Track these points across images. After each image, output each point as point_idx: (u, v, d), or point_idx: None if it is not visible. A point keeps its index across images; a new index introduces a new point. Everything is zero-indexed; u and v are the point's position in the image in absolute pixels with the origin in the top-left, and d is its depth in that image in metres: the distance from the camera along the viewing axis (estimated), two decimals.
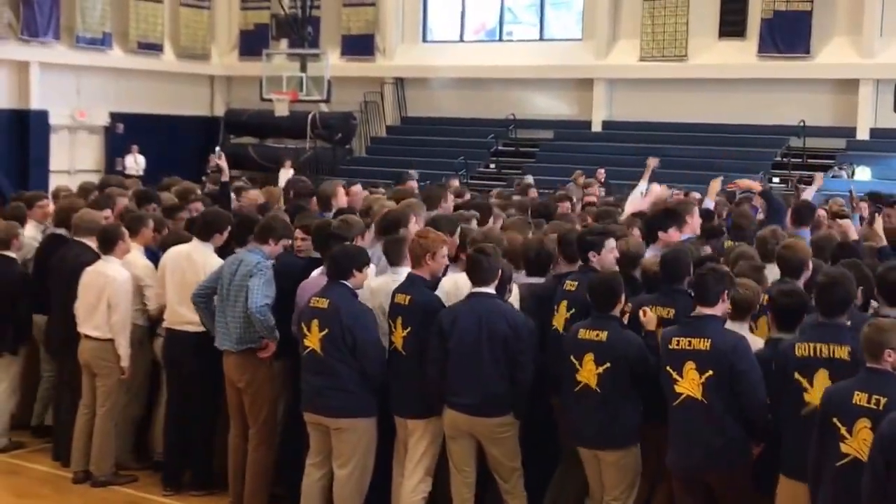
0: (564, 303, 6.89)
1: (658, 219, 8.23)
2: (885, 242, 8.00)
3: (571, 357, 6.35)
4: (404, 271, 6.98)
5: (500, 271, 6.62)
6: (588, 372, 6.27)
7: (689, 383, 5.83)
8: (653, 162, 11.02)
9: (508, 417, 6.57)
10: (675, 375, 5.88)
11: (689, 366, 5.82)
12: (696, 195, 11.59)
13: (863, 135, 23.40)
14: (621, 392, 6.24)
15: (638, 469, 6.40)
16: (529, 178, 15.49)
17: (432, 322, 6.63)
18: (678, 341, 5.91)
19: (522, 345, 6.50)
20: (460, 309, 6.61)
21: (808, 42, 23.74)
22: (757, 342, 6.12)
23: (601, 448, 6.33)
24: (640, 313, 6.48)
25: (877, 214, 10.13)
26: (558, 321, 6.90)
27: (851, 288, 5.73)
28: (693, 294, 6.11)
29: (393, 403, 6.91)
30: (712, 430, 5.80)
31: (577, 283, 6.88)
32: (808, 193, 11.52)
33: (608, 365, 6.20)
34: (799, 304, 6.00)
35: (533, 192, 13.06)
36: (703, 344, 5.81)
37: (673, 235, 7.92)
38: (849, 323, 5.61)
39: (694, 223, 8.44)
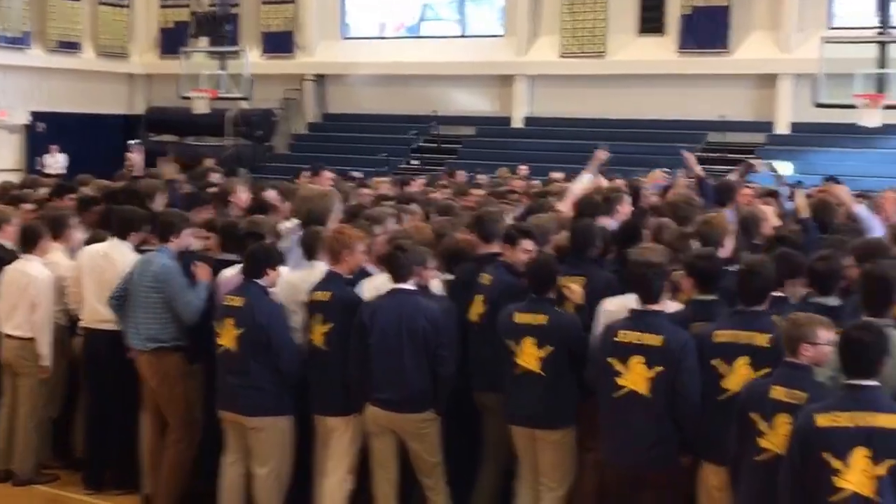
0: (481, 297, 6.84)
1: (589, 207, 8.22)
2: (807, 214, 8.10)
3: (508, 341, 6.34)
4: (320, 265, 6.95)
5: (417, 267, 6.59)
6: (529, 356, 6.26)
7: (635, 377, 5.77)
8: (601, 154, 10.95)
9: (430, 413, 6.57)
10: (618, 367, 5.82)
11: (637, 360, 5.76)
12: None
13: (782, 129, 23.74)
14: (562, 373, 6.25)
15: (574, 451, 6.40)
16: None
17: (353, 318, 6.60)
18: (626, 334, 5.85)
19: (442, 339, 6.49)
20: (380, 305, 6.58)
21: (726, 37, 24.04)
22: (676, 306, 6.18)
23: (542, 428, 6.32)
24: (565, 289, 6.47)
25: (796, 190, 10.26)
26: (473, 314, 6.86)
27: (771, 276, 5.78)
28: (636, 290, 6.02)
29: (312, 401, 6.86)
30: (653, 426, 5.79)
31: (492, 277, 6.85)
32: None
33: (551, 348, 6.21)
34: (715, 266, 6.09)
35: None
36: (654, 340, 5.76)
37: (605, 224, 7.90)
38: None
39: (625, 211, 8.45)
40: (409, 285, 6.56)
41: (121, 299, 7.37)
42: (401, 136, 26.63)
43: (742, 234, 7.67)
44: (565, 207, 9.16)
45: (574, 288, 6.48)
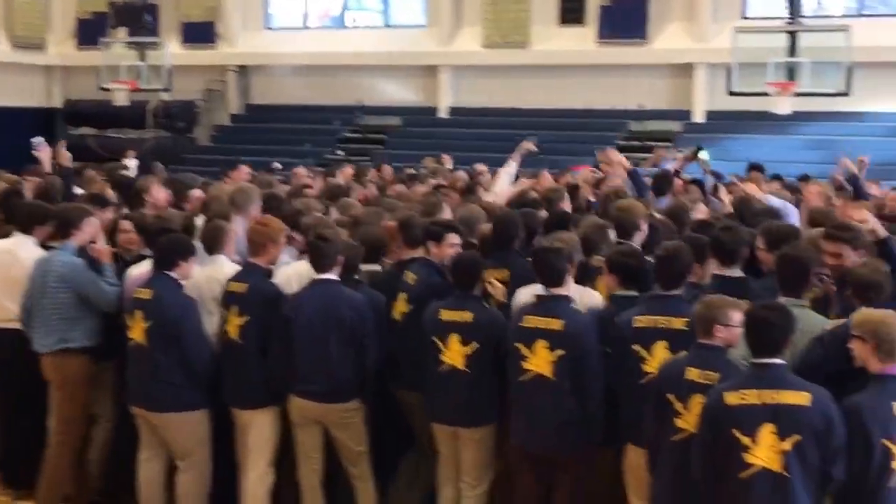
0: (404, 296, 6.80)
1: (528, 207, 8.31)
2: (731, 210, 8.31)
3: (434, 338, 6.33)
4: (222, 260, 6.89)
5: (341, 257, 6.56)
6: (454, 353, 6.26)
7: (540, 361, 5.90)
8: (527, 145, 11.15)
9: (355, 402, 6.57)
10: (524, 352, 5.95)
11: (541, 344, 5.89)
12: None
13: (698, 117, 24.20)
14: (486, 370, 6.26)
15: (494, 448, 6.44)
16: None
17: (271, 310, 6.57)
18: (530, 319, 5.98)
19: (367, 328, 6.47)
20: (304, 296, 6.54)
21: (644, 28, 24.41)
22: (598, 300, 6.30)
23: (465, 426, 6.35)
24: (488, 285, 6.52)
25: (719, 185, 10.59)
26: (396, 312, 6.82)
27: (687, 261, 5.89)
28: (539, 275, 6.13)
29: (227, 394, 6.76)
30: (559, 408, 5.90)
31: (417, 276, 6.83)
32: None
33: (477, 345, 6.22)
34: (636, 261, 6.18)
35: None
36: (555, 324, 5.88)
37: None
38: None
39: (566, 208, 8.62)
40: (332, 275, 6.51)
41: (28, 308, 7.16)
42: (326, 127, 26.56)
43: (673, 225, 7.79)
44: (495, 198, 9.37)
45: (497, 286, 6.54)
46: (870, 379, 4.96)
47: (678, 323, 5.65)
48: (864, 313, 5.10)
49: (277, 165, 16.89)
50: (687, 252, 5.93)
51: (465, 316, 6.26)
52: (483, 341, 6.23)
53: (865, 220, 6.35)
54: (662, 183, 9.87)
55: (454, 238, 6.95)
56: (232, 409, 6.81)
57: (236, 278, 6.70)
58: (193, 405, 6.66)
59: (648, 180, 10.10)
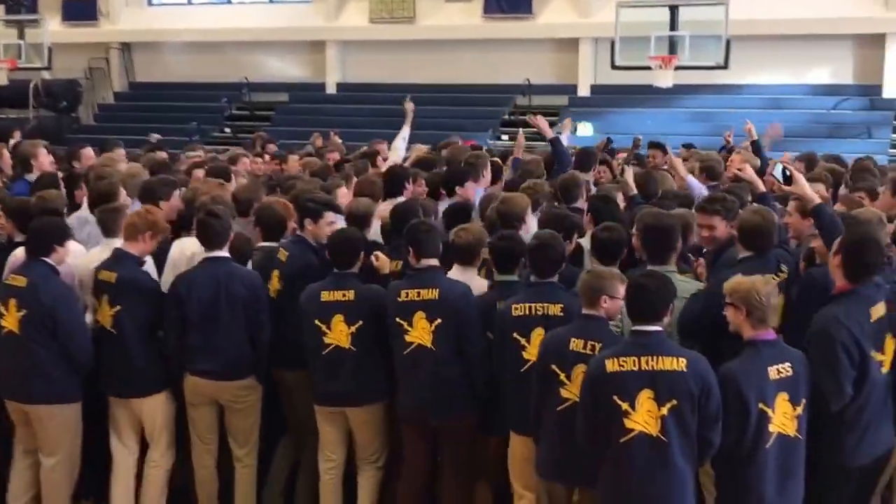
0: (277, 273, 6.78)
1: (455, 174, 8.45)
2: (635, 191, 8.46)
3: (317, 321, 6.28)
4: (118, 243, 6.73)
5: (232, 234, 6.55)
6: (339, 333, 6.25)
7: (420, 332, 6.02)
8: (410, 105, 11.31)
9: (251, 381, 6.58)
10: (405, 326, 6.04)
11: (419, 315, 6.01)
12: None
13: (584, 91, 24.47)
14: (372, 348, 6.28)
15: (387, 424, 6.47)
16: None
17: (146, 300, 6.49)
18: (407, 293, 6.06)
19: (261, 305, 6.50)
20: (196, 275, 6.49)
21: (530, 3, 24.51)
22: (482, 286, 6.36)
23: (355, 405, 6.36)
24: (373, 258, 6.56)
25: (625, 166, 10.78)
26: (272, 290, 6.77)
27: (562, 249, 5.96)
28: (412, 248, 6.21)
29: (105, 383, 6.65)
30: (440, 376, 6.02)
31: (288, 253, 6.81)
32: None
33: (360, 323, 6.23)
34: (515, 248, 6.16)
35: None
36: (431, 294, 6.00)
37: (469, 189, 8.18)
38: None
39: (488, 176, 8.73)
40: (223, 252, 6.50)
41: None
42: (212, 105, 26.26)
43: (561, 199, 7.94)
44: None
45: (382, 259, 6.58)
46: (744, 345, 5.12)
47: (555, 309, 5.75)
48: (736, 280, 5.24)
49: (156, 136, 16.62)
50: (559, 242, 5.97)
51: (348, 295, 6.25)
52: (366, 318, 6.23)
53: (745, 170, 6.48)
54: (585, 159, 10.01)
55: (331, 216, 6.94)
56: (110, 398, 6.70)
57: (105, 266, 6.54)
58: (70, 397, 6.52)
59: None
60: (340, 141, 15.92)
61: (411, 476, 6.33)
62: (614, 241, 6.16)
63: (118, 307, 6.45)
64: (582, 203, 7.79)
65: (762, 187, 6.65)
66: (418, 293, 6.04)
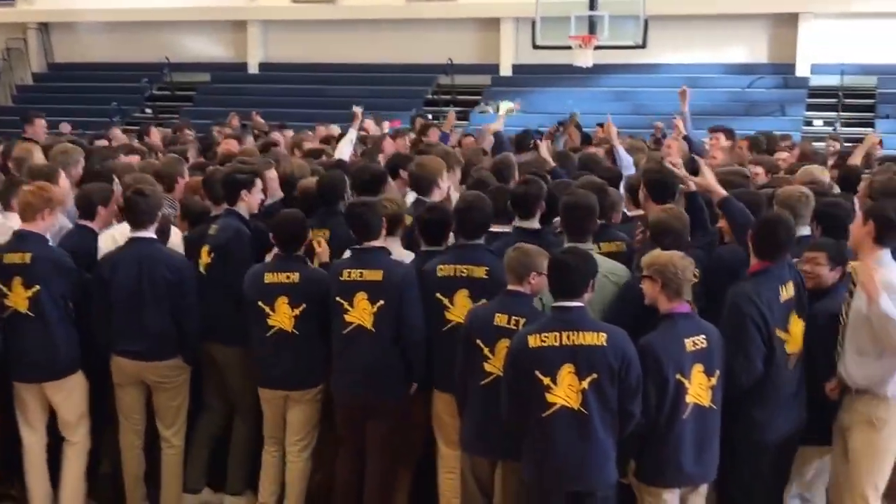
0: (206, 247, 6.69)
1: (397, 161, 8.49)
2: (553, 164, 8.55)
3: (260, 303, 6.24)
4: (14, 217, 6.62)
5: (160, 214, 6.45)
6: (283, 315, 6.21)
7: (360, 313, 5.98)
8: (358, 110, 11.45)
9: (178, 361, 6.51)
10: (346, 306, 5.99)
11: (361, 296, 5.96)
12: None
13: (506, 71, 24.69)
14: (314, 331, 6.24)
15: (321, 409, 6.44)
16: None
17: (66, 277, 6.35)
18: (349, 273, 6.01)
19: (185, 289, 6.41)
20: (120, 256, 6.39)
21: None
22: (404, 255, 6.39)
23: (296, 388, 6.34)
24: (316, 245, 6.51)
25: (539, 141, 10.99)
26: (202, 265, 6.72)
27: (488, 211, 6.03)
28: (354, 230, 6.17)
29: (16, 369, 6.49)
30: (378, 357, 5.99)
31: (217, 227, 6.72)
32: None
33: (304, 306, 6.18)
34: (442, 219, 6.23)
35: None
36: (375, 275, 5.95)
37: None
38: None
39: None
40: (149, 233, 6.37)
41: None
42: (133, 85, 26.02)
43: (497, 179, 7.97)
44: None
45: (323, 245, 6.52)
46: (661, 318, 5.25)
47: (479, 272, 5.82)
48: (652, 254, 5.37)
49: (67, 127, 16.49)
50: (486, 202, 6.05)
51: (292, 277, 6.21)
52: (310, 302, 6.19)
53: (675, 164, 6.50)
54: (523, 141, 10.29)
55: (261, 185, 6.94)
56: (18, 384, 6.54)
57: (14, 248, 6.35)
58: None
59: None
60: (263, 121, 15.97)
61: (348, 457, 6.31)
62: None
63: (36, 287, 6.28)
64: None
65: (722, 192, 6.28)
66: (361, 273, 5.99)
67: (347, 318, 6.02)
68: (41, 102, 24.87)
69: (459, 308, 5.78)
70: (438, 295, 5.87)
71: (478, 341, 5.44)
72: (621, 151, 9.26)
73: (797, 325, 5.64)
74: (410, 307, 5.96)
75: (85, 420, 6.62)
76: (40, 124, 11.35)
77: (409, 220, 6.63)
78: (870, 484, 5.64)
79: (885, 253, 5.57)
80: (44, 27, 27.87)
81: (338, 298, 6.05)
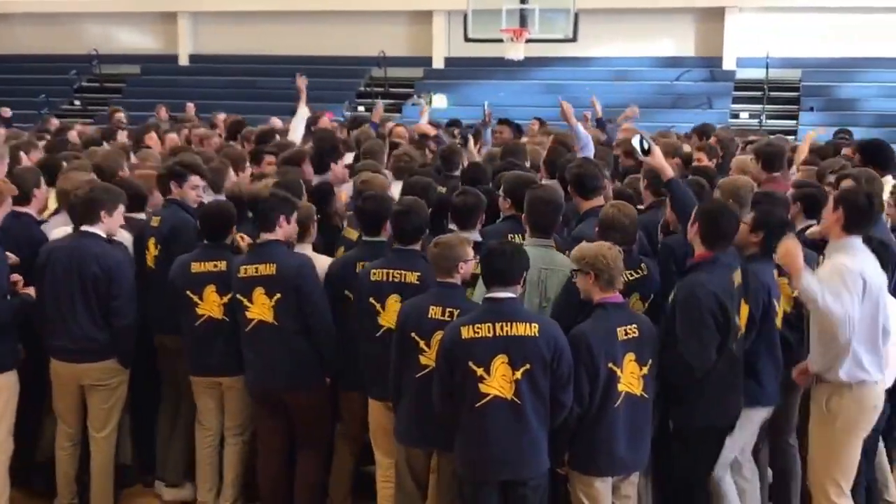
0: (152, 240, 6.73)
1: (326, 152, 8.47)
2: (476, 157, 8.66)
3: (188, 292, 6.26)
4: None
5: (103, 210, 6.30)
6: (211, 303, 6.23)
7: (260, 308, 5.97)
8: (303, 81, 11.42)
9: (112, 363, 6.36)
10: (245, 303, 6.00)
11: (259, 291, 5.96)
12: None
13: (438, 64, 24.83)
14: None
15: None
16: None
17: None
18: (245, 269, 6.00)
19: (117, 289, 6.23)
20: (56, 247, 6.32)
21: None
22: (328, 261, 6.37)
23: (227, 375, 6.35)
24: (239, 239, 6.46)
25: (469, 135, 11.10)
26: (150, 258, 6.74)
27: (424, 216, 5.96)
28: (258, 223, 6.17)
29: None
30: (284, 350, 5.98)
31: (160, 217, 6.75)
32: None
33: (232, 294, 6.16)
34: (381, 210, 6.12)
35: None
36: (269, 269, 5.93)
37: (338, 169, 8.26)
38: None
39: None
40: (94, 228, 6.25)
41: None
42: (61, 77, 25.73)
43: (442, 167, 8.11)
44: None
45: (246, 240, 6.46)
46: (594, 308, 5.30)
47: (411, 277, 5.76)
48: (581, 247, 5.39)
49: (7, 111, 16.32)
50: (423, 207, 5.99)
51: (220, 265, 6.23)
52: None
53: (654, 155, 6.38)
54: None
55: (196, 180, 6.95)
56: None
57: None
58: None
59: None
60: (193, 112, 15.92)
61: (268, 453, 6.34)
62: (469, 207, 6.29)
63: None
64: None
65: (670, 173, 6.32)
66: (256, 269, 5.96)
67: (249, 314, 6.02)
68: None
69: (391, 313, 5.70)
70: (371, 299, 5.81)
71: (413, 335, 5.41)
72: (580, 131, 9.16)
73: (744, 310, 5.68)
74: (308, 298, 5.95)
75: (7, 422, 6.34)
76: None
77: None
78: (827, 477, 5.68)
79: (855, 240, 5.58)
80: None
81: (238, 296, 6.05)
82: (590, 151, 8.67)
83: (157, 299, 6.64)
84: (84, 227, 6.27)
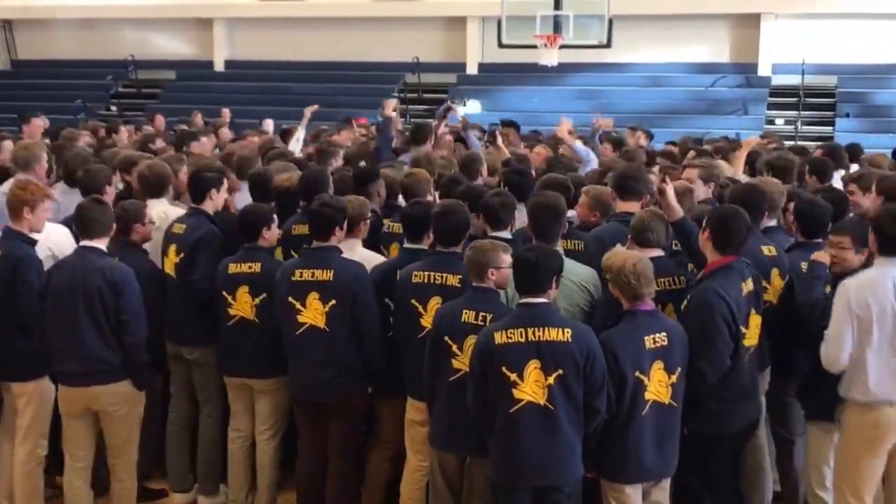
0: (174, 247, 6.66)
1: (321, 157, 8.64)
2: (508, 155, 8.62)
3: (224, 293, 6.31)
4: None
5: (113, 224, 6.23)
6: (243, 304, 6.27)
7: (313, 313, 5.95)
8: (310, 110, 11.56)
9: (125, 386, 6.10)
10: (298, 306, 5.96)
11: (313, 296, 5.92)
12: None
13: (472, 70, 24.81)
14: (275, 320, 6.18)
15: (288, 398, 6.40)
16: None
17: (25, 277, 6.07)
18: (301, 273, 5.98)
19: (124, 304, 5.97)
20: (60, 264, 6.16)
21: None
22: (377, 259, 6.44)
23: (259, 376, 6.38)
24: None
25: (497, 133, 11.10)
26: (168, 266, 6.70)
27: (466, 217, 5.94)
28: (313, 229, 6.14)
29: None
30: (332, 357, 5.96)
31: (184, 226, 6.70)
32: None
33: (265, 296, 6.20)
34: (422, 215, 6.11)
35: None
36: (325, 275, 5.91)
37: None
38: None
39: None
40: (97, 243, 6.06)
41: None
42: (98, 82, 25.92)
43: (464, 175, 8.04)
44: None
45: (274, 229, 6.48)
46: (623, 315, 5.29)
47: (453, 280, 5.75)
48: (610, 257, 5.40)
49: (43, 117, 16.49)
50: (464, 210, 5.97)
51: (254, 267, 6.26)
52: (269, 291, 6.19)
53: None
54: (418, 134, 10.56)
55: (227, 185, 7.00)
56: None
57: None
58: None
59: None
60: (228, 118, 16.03)
61: (307, 455, 6.32)
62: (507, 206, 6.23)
63: None
64: (481, 180, 8.14)
65: (677, 215, 6.08)
66: (312, 273, 5.94)
67: (300, 318, 6.00)
68: (5, 100, 24.87)
69: (433, 315, 5.66)
70: (413, 301, 5.81)
71: (446, 338, 5.42)
72: (577, 147, 9.24)
73: (755, 320, 5.72)
74: (363, 306, 5.94)
75: (39, 427, 6.36)
76: (36, 125, 11.26)
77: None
78: (840, 484, 5.69)
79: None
80: (7, 24, 27.73)
81: (290, 299, 6.01)
82: (593, 164, 8.71)
83: (175, 307, 6.64)
84: (84, 242, 6.08)
